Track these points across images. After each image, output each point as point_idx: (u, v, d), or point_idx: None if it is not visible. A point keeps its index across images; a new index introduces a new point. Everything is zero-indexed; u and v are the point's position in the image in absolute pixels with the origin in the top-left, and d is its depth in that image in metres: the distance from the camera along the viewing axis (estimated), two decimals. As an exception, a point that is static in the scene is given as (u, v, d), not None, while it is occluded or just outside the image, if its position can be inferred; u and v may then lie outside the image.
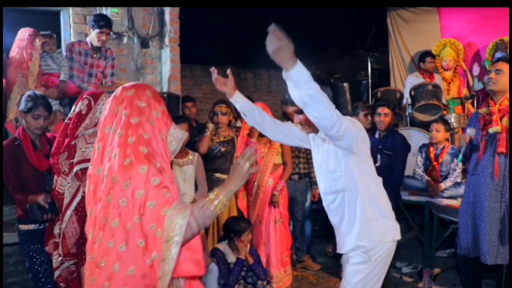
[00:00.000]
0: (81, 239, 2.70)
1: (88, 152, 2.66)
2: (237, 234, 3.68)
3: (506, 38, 5.49)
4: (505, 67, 3.11)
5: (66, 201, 2.68)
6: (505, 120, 3.07)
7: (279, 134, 2.62)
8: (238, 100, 2.51)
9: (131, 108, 1.64)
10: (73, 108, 2.76)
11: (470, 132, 3.21)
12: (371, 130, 4.36)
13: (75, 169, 2.66)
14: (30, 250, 2.92)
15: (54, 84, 4.11)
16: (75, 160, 2.67)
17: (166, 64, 5.50)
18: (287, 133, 2.62)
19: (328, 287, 4.31)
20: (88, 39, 4.39)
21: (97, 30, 4.26)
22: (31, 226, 2.92)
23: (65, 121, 2.74)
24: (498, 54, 5.39)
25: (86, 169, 2.64)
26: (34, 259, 2.92)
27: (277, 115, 2.29)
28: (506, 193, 3.09)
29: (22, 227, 2.95)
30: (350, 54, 9.97)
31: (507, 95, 3.11)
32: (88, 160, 2.62)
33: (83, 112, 2.70)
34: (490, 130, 3.11)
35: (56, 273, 2.75)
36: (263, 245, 4.06)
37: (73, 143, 2.70)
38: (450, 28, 6.44)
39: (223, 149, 4.14)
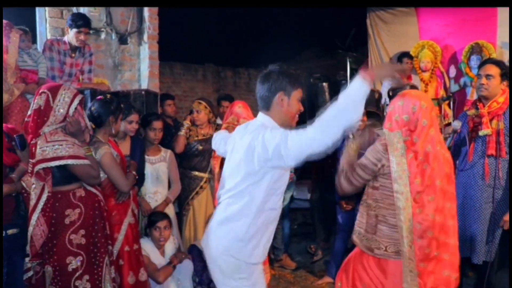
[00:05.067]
0: (46, 239, 2.60)
1: (49, 151, 2.54)
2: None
3: (481, 41, 5.61)
4: (494, 70, 3.03)
5: (32, 202, 2.55)
6: (495, 122, 3.06)
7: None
8: None
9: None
10: (31, 103, 2.63)
11: (457, 124, 3.15)
12: None
13: (36, 168, 2.53)
14: None
15: (33, 80, 4.01)
16: (35, 159, 2.55)
17: (144, 61, 5.42)
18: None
19: (306, 286, 4.32)
20: (66, 38, 4.29)
21: (75, 30, 4.17)
22: None
23: (25, 119, 2.60)
24: (474, 57, 5.50)
25: (48, 168, 2.56)
26: None
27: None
28: (496, 193, 3.08)
29: None
30: (330, 54, 10.02)
31: (496, 97, 3.08)
32: (49, 160, 2.53)
33: (42, 108, 2.60)
34: (481, 133, 3.10)
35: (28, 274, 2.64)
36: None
37: (33, 141, 2.58)
38: (428, 30, 6.52)
39: (200, 147, 4.10)
